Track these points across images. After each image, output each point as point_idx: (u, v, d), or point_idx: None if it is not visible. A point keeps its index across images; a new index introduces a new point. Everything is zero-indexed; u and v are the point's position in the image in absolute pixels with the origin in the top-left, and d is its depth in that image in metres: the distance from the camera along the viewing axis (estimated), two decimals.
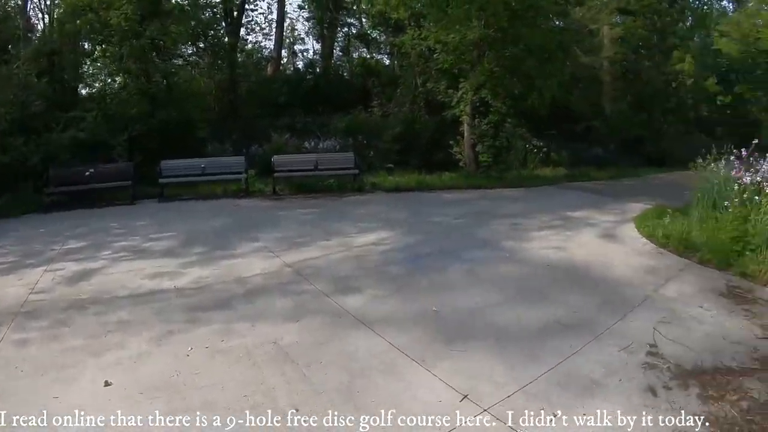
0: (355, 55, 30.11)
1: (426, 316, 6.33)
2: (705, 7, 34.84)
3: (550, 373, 4.97)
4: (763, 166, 9.31)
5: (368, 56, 29.69)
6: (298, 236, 10.26)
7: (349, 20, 29.59)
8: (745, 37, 32.27)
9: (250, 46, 27.20)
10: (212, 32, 22.29)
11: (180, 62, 21.47)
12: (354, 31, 29.99)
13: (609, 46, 28.44)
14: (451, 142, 18.69)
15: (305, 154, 17.07)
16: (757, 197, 8.94)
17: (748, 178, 9.25)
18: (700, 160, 11.14)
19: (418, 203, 13.76)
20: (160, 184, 14.86)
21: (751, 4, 32.76)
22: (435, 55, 18.62)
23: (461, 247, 9.43)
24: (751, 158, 9.74)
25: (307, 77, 26.89)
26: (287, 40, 31.65)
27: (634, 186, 19.23)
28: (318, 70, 28.20)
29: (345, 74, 28.78)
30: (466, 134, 18.17)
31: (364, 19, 28.59)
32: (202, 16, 21.08)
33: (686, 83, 30.54)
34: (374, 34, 28.39)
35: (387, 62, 29.11)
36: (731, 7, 39.47)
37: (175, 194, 15.21)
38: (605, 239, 10.20)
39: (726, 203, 9.42)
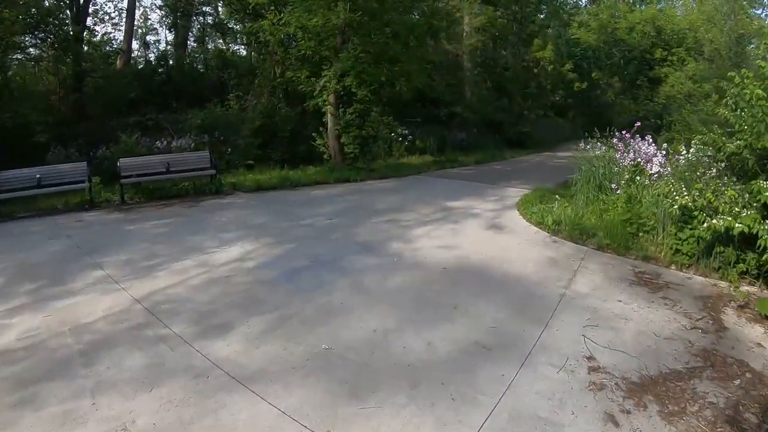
0: (210, 46, 28.25)
1: (317, 358, 4.99)
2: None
3: (491, 422, 3.99)
4: (642, 147, 8.95)
5: (224, 47, 27.95)
6: (149, 258, 8.20)
7: (204, 8, 27.63)
8: (603, 27, 33.79)
9: (98, 37, 24.68)
10: (54, 21, 19.71)
11: (19, 56, 19.20)
12: (210, 20, 28.15)
13: (471, 33, 28.29)
14: (314, 134, 17.41)
15: (156, 155, 15.15)
16: (639, 178, 8.62)
17: (630, 160, 8.97)
18: (582, 144, 10.98)
19: (284, 203, 12.40)
20: None
21: None
22: (296, 42, 17.38)
23: (341, 254, 8.22)
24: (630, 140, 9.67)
25: (159, 70, 24.89)
26: (139, 31, 29.43)
27: (504, 170, 19.04)
28: (171, 62, 26.17)
29: (200, 66, 26.83)
30: (329, 125, 16.96)
31: (220, 7, 26.70)
32: (43, 2, 18.85)
33: (547, 69, 31.06)
34: (231, 23, 26.44)
35: (244, 53, 27.63)
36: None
37: (9, 212, 13.10)
38: (494, 230, 9.55)
39: (613, 185, 9.22)
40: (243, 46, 27.31)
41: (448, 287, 6.70)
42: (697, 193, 6.83)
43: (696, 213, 6.91)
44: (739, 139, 6.86)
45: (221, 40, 28.32)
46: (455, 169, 18.76)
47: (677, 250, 7.48)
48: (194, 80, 24.23)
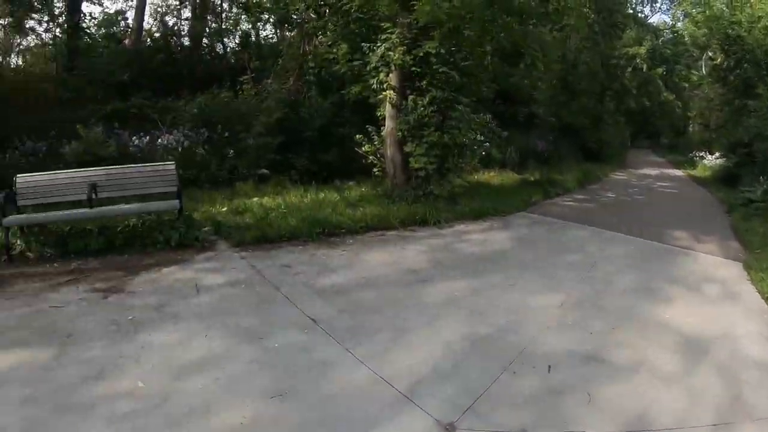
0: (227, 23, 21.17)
1: None
2: None
3: None
4: None
5: (248, 24, 20.82)
6: None
7: None
8: (715, 19, 23.91)
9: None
10: None
11: None
12: None
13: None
14: (357, 137, 10.20)
15: (71, 171, 7.82)
16: None
17: None
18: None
19: (313, 306, 5.03)
20: None
21: None
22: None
23: None
24: None
25: (163, 49, 17.88)
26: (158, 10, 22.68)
27: (632, 202, 12.15)
28: (184, 41, 19.30)
29: (217, 44, 19.95)
30: (388, 123, 9.66)
31: None
32: None
33: (642, 68, 23.35)
34: None
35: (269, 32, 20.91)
36: None
37: None
38: None
39: None
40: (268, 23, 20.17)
41: None
42: None
43: None
44: None
45: (243, 16, 21.20)
46: (565, 200, 11.55)
47: None
48: (204, 61, 17.37)
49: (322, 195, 9.14)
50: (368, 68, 9.34)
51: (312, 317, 4.65)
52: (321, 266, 6.12)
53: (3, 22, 15.66)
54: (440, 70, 8.93)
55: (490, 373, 3.77)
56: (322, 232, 7.25)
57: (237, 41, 20.38)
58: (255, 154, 11.00)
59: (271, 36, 21.17)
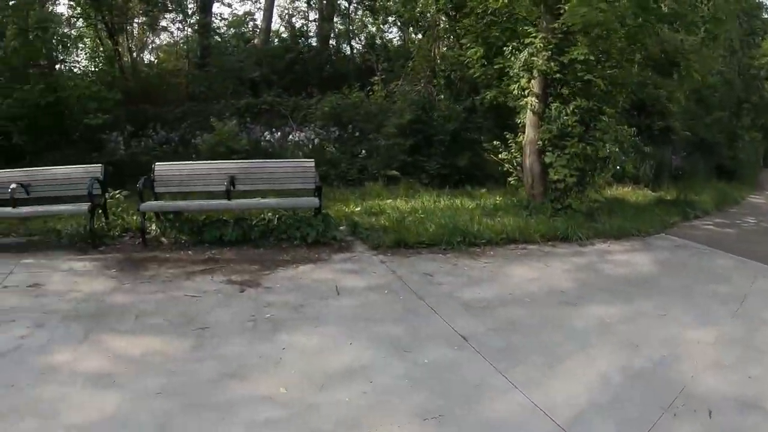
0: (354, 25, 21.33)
1: None
2: None
3: None
4: None
5: (374, 27, 20.90)
6: None
7: None
8: None
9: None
10: None
11: None
12: None
13: None
14: (495, 143, 9.79)
15: (214, 162, 8.06)
16: None
17: None
18: None
19: (478, 316, 4.87)
20: None
21: None
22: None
23: None
24: None
25: (292, 49, 18.35)
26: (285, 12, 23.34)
27: None
28: (312, 41, 19.78)
29: (344, 45, 20.22)
30: (528, 131, 9.20)
31: None
32: None
33: None
34: None
35: (395, 34, 20.86)
36: None
37: None
38: None
39: None
40: (395, 26, 20.15)
41: None
42: None
43: None
44: None
45: (369, 18, 21.31)
46: (705, 223, 10.57)
47: None
48: (331, 61, 17.64)
49: (457, 201, 8.93)
50: (511, 73, 9.01)
51: (461, 333, 4.45)
52: (464, 278, 5.93)
53: (139, 21, 16.63)
54: (585, 77, 8.50)
55: (650, 412, 3.41)
56: (462, 240, 7.03)
57: (362, 42, 20.59)
58: (386, 155, 11.01)
59: (396, 38, 21.29)
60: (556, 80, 8.75)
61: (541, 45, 8.49)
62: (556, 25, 8.39)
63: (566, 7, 7.93)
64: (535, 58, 8.52)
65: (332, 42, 20.20)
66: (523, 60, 8.65)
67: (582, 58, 8.21)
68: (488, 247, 7.09)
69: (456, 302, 5.15)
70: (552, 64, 8.43)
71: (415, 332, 4.47)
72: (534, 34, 8.65)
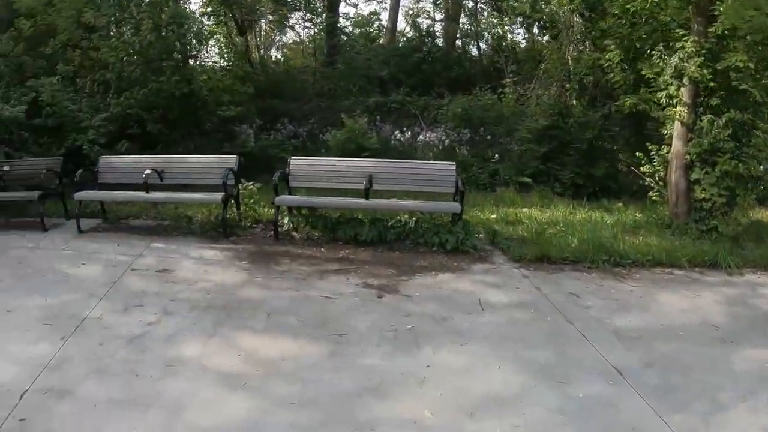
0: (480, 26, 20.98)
1: None
2: None
3: None
4: None
5: (501, 26, 20.42)
6: None
7: None
8: None
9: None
10: None
11: None
12: None
13: None
14: (638, 154, 9.18)
15: (352, 160, 8.13)
16: None
17: None
18: None
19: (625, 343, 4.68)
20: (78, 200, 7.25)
21: None
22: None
23: None
24: None
25: (419, 48, 18.33)
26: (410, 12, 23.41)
27: None
28: (438, 41, 19.69)
29: (471, 46, 20.01)
30: (675, 144, 8.56)
31: None
32: None
33: None
34: None
35: (522, 35, 20.19)
36: None
37: (126, 213, 7.52)
38: None
39: None
40: (521, 26, 19.59)
41: None
42: None
43: None
44: None
45: (494, 19, 20.85)
46: None
47: None
48: (459, 62, 17.52)
49: (595, 214, 8.57)
50: (660, 80, 8.49)
51: (615, 366, 4.22)
52: (611, 301, 5.65)
53: (267, 19, 17.33)
54: (740, 87, 7.86)
55: None
56: (608, 260, 6.72)
57: (489, 43, 20.25)
58: (518, 161, 10.78)
59: (522, 40, 20.76)
60: (707, 89, 8.19)
61: (693, 50, 7.95)
62: (712, 28, 7.83)
63: (721, 9, 7.38)
64: (686, 64, 7.99)
65: (458, 42, 20.10)
66: (673, 65, 8.14)
67: (741, 65, 7.61)
68: (633, 268, 6.71)
69: (606, 329, 4.95)
70: (705, 71, 7.88)
71: (566, 360, 4.32)
72: (685, 38, 8.12)
